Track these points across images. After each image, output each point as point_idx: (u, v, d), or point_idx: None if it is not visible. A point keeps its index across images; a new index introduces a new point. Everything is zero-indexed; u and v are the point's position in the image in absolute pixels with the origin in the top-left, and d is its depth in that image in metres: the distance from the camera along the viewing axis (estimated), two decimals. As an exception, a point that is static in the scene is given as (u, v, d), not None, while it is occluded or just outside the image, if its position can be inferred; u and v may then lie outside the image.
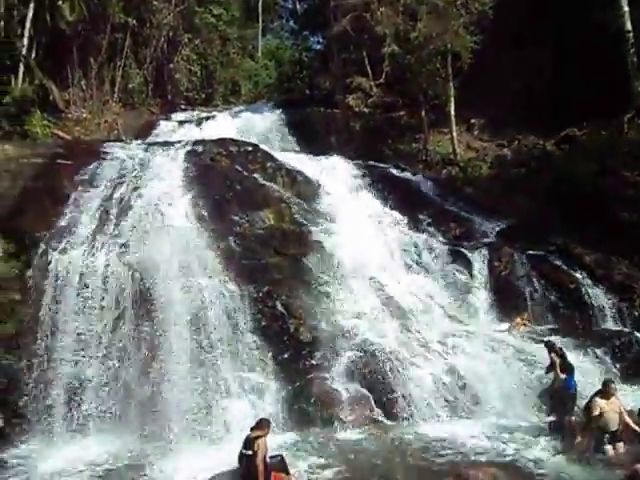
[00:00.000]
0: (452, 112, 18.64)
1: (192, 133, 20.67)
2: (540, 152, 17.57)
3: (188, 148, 14.58)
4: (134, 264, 10.90)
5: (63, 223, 11.64)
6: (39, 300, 10.66)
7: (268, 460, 7.63)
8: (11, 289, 11.04)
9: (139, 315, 10.48)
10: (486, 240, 14.60)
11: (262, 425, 7.83)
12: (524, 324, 12.26)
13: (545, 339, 10.40)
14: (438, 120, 19.63)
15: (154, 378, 9.81)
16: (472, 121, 20.05)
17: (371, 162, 17.45)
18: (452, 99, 18.61)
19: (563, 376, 8.95)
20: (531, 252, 13.71)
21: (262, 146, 16.03)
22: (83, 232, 11.47)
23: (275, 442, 8.59)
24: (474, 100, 18.42)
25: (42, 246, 11.21)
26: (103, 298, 10.58)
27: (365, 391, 10.16)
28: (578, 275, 13.10)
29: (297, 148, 20.23)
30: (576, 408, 8.93)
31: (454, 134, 18.79)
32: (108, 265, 10.88)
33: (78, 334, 10.32)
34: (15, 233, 11.63)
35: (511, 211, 15.37)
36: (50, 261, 10.96)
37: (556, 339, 11.04)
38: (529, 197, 15.41)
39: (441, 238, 14.28)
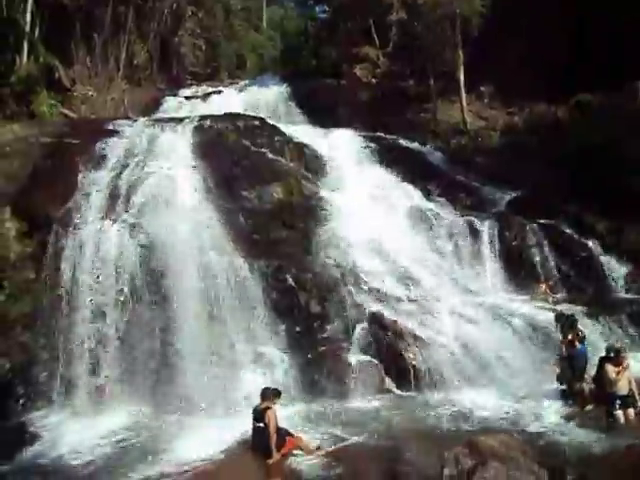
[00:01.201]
0: (461, 80, 18.29)
1: (199, 108, 20.56)
2: (551, 119, 17.25)
3: (195, 124, 14.50)
4: (145, 240, 11.01)
5: (74, 202, 11.72)
6: (54, 278, 10.84)
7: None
8: (26, 268, 11.25)
9: (152, 290, 10.63)
10: (496, 210, 14.52)
11: (268, 395, 8.01)
12: (546, 291, 12.18)
13: (557, 309, 10.36)
14: (447, 89, 19.28)
15: (168, 351, 10.01)
16: (482, 89, 19.66)
17: (379, 133, 17.28)
18: (461, 66, 18.23)
19: (579, 345, 8.98)
20: (542, 221, 13.62)
21: (269, 120, 15.90)
22: (94, 210, 11.55)
23: (288, 412, 8.79)
24: (484, 67, 18.04)
25: (55, 225, 11.33)
26: (116, 274, 10.72)
27: (376, 362, 10.29)
28: (590, 244, 13.04)
29: (304, 121, 20.03)
30: (586, 376, 9.00)
31: (463, 103, 18.48)
32: (120, 242, 11.00)
33: (93, 310, 10.51)
34: (27, 213, 11.76)
35: (522, 180, 15.19)
36: (63, 239, 11.09)
37: (568, 308, 11.07)
38: (540, 166, 15.19)
39: (451, 208, 14.20)
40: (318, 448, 8.08)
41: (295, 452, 7.93)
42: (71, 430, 9.28)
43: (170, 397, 9.60)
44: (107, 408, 9.86)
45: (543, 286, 12.30)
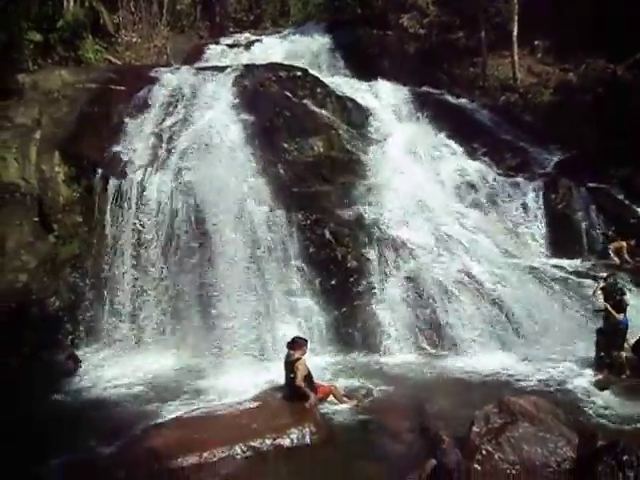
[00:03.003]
0: (515, 32, 17.32)
1: (241, 57, 20.28)
2: (609, 77, 16.26)
3: (237, 73, 14.33)
4: (187, 187, 11.20)
5: (119, 148, 11.94)
6: (100, 222, 11.24)
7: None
8: (74, 212, 11.70)
9: (193, 237, 10.91)
10: (543, 171, 14.03)
11: (300, 344, 8.14)
12: (625, 245, 11.60)
13: (605, 275, 10.02)
14: (498, 42, 18.30)
15: (208, 297, 10.33)
16: (536, 43, 18.56)
17: (425, 88, 16.72)
18: (515, 17, 17.21)
19: (621, 316, 8.76)
20: (591, 185, 13.09)
21: (311, 71, 15.58)
22: (138, 157, 11.76)
23: (320, 363, 9.00)
24: (540, 19, 17.00)
25: (100, 170, 11.64)
26: (159, 220, 11.04)
27: (410, 319, 10.34)
28: (641, 210, 12.51)
29: (347, 72, 19.52)
30: (626, 345, 8.84)
31: (515, 57, 17.55)
32: (163, 188, 11.23)
33: (136, 253, 10.90)
34: (75, 158, 12.08)
35: (573, 141, 14.53)
36: (109, 185, 11.40)
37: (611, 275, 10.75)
38: (594, 126, 14.46)
39: (495, 168, 13.77)
40: (348, 397, 8.30)
41: (327, 399, 8.16)
42: (115, 366, 9.87)
43: (209, 341, 10.00)
44: (149, 347, 10.41)
45: (624, 243, 11.69)
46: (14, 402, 8.26)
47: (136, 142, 12.09)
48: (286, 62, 16.89)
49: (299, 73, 14.87)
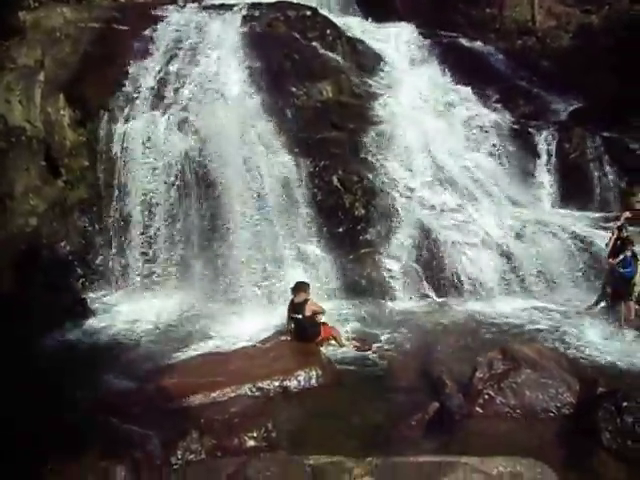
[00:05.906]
0: (536, -31, 16.51)
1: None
2: (633, 18, 15.51)
3: (244, 12, 13.78)
4: (193, 132, 11.01)
5: (124, 91, 11.63)
6: (107, 167, 11.15)
7: None
8: (81, 156, 11.56)
9: (199, 184, 10.80)
10: (558, 119, 13.67)
11: (302, 288, 8.30)
12: None
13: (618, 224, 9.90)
14: (518, -21, 17.49)
15: (216, 243, 10.39)
16: (558, -20, 17.74)
17: (439, 30, 16.07)
18: (538, -47, 16.38)
19: (629, 265, 8.72)
20: (606, 134, 12.76)
21: (321, 10, 14.96)
22: (143, 100, 11.49)
23: (326, 309, 9.10)
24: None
25: (105, 114, 11.42)
26: (165, 166, 10.92)
27: (417, 267, 10.39)
28: (656, 161, 12.23)
29: (358, 12, 18.73)
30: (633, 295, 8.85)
31: (535, -4, 16.79)
32: (169, 134, 11.05)
33: (144, 199, 10.87)
34: (80, 101, 11.80)
35: (591, 88, 14.04)
36: (114, 129, 11.22)
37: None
38: (614, 72, 13.94)
39: (508, 116, 13.43)
40: (351, 340, 8.48)
41: (330, 341, 8.35)
42: (125, 310, 10.04)
43: (217, 286, 10.10)
44: (158, 293, 10.54)
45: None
46: (25, 342, 8.39)
47: (141, 85, 11.77)
48: (295, 1, 16.22)
49: (308, 13, 14.27)
